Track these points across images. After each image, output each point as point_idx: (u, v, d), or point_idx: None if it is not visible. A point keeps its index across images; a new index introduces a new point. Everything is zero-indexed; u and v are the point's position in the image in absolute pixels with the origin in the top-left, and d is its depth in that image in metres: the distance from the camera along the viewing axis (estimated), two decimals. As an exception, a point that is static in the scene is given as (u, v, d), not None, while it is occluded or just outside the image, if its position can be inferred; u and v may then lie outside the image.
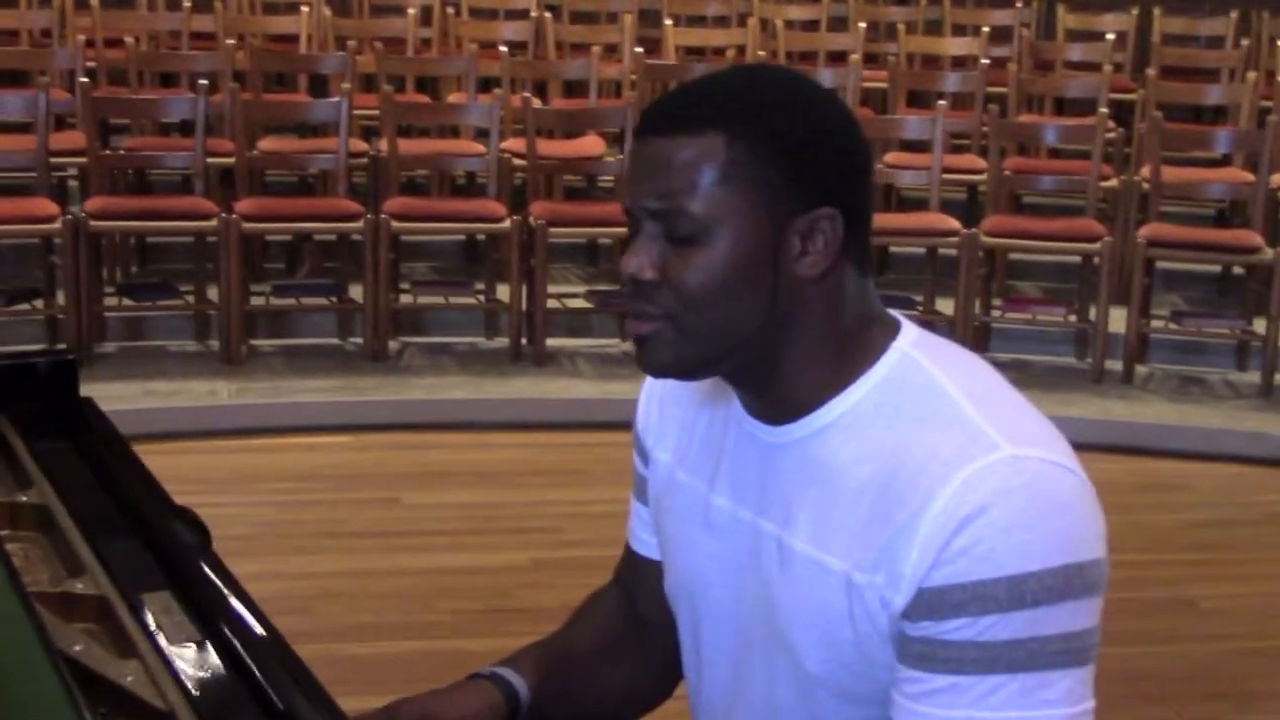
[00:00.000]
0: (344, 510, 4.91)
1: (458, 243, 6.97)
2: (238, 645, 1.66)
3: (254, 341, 6.09)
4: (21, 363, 2.31)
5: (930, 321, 6.38)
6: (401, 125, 6.75)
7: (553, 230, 6.02)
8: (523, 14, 7.88)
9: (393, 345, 6.13)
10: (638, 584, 1.74)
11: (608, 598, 1.81)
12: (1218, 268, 7.03)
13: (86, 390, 5.64)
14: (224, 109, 6.23)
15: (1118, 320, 6.21)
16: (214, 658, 1.62)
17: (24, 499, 2.02)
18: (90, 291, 5.82)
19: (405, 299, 6.27)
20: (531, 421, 5.61)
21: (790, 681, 1.47)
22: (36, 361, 2.31)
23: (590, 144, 6.75)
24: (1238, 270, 6.85)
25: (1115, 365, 6.24)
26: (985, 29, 7.94)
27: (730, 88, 1.43)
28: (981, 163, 6.77)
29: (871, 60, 7.82)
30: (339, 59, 6.86)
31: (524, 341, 6.09)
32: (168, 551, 1.87)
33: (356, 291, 6.07)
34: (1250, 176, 6.63)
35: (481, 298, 6.32)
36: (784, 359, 1.42)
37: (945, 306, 6.30)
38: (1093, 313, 6.26)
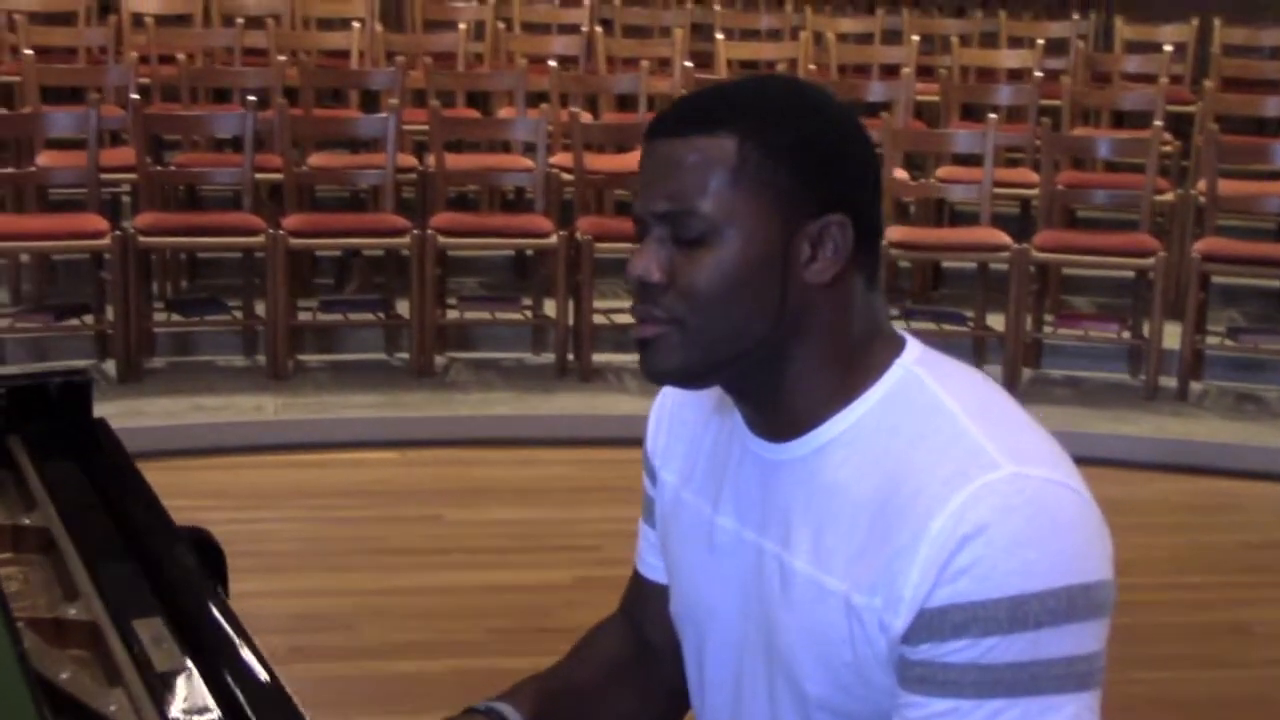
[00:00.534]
0: (386, 527, 4.88)
1: (508, 258, 6.95)
2: (225, 673, 1.61)
3: (301, 357, 6.09)
4: (35, 383, 2.28)
5: (982, 338, 6.29)
6: (453, 141, 6.75)
7: (599, 245, 5.98)
8: (574, 29, 7.85)
9: (439, 361, 6.10)
10: (645, 610, 1.70)
11: (612, 627, 1.77)
12: (1277, 283, 6.89)
13: (136, 406, 5.69)
14: (274, 125, 6.22)
15: (1173, 336, 6.10)
16: (200, 687, 1.57)
17: (27, 521, 1.99)
18: (140, 307, 5.83)
19: (452, 314, 6.25)
20: (576, 437, 5.57)
21: (790, 704, 1.43)
22: (50, 382, 2.27)
23: (639, 159, 6.66)
24: (1297, 286, 6.73)
25: (1170, 382, 6.12)
26: (1040, 41, 7.83)
27: (743, 92, 1.41)
28: (1035, 177, 6.67)
29: (926, 73, 7.74)
30: (388, 74, 6.86)
31: (570, 357, 6.05)
32: (165, 576, 1.83)
33: (404, 307, 6.05)
34: (1310, 190, 6.50)
35: (528, 313, 6.28)
36: (789, 370, 1.39)
37: (996, 322, 6.21)
38: (1147, 329, 6.15)
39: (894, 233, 6.13)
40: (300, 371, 6.01)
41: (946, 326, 6.31)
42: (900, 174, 6.54)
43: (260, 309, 5.96)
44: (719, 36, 7.75)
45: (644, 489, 1.66)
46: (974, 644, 1.29)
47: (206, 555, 2.37)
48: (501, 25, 7.78)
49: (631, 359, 6.24)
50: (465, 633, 4.18)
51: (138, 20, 7.41)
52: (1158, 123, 6.57)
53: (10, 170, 6.30)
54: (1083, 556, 1.30)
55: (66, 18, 7.62)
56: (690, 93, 1.45)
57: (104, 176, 6.13)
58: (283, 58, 6.97)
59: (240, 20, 7.41)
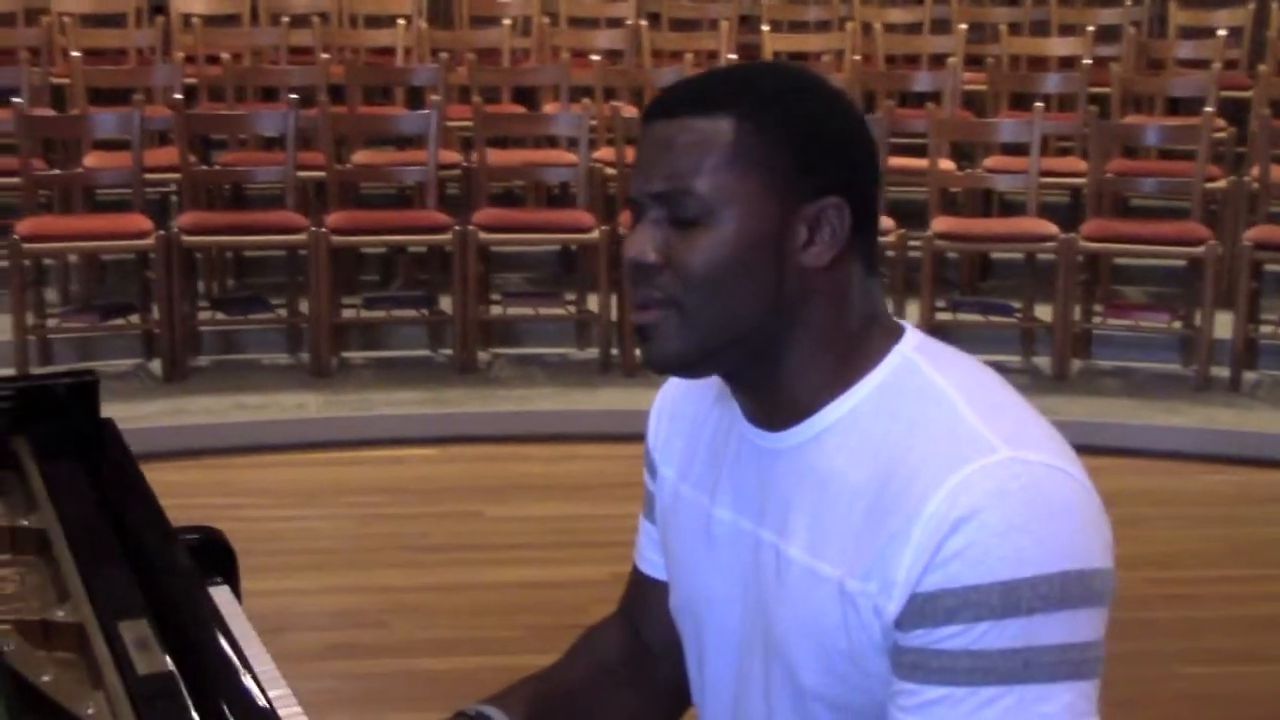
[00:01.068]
0: (425, 523, 4.87)
1: (553, 253, 6.93)
2: (207, 676, 1.60)
3: (346, 354, 6.10)
4: (43, 384, 2.27)
5: (1031, 329, 6.22)
6: (498, 136, 6.75)
7: (642, 240, 5.93)
8: (620, 23, 7.82)
9: (483, 357, 6.10)
10: (644, 608, 1.69)
11: (609, 629, 1.76)
12: (1332, 271, 6.77)
13: (179, 405, 5.72)
14: (319, 123, 6.23)
15: (1224, 326, 6.01)
16: (180, 692, 1.55)
17: (25, 523, 1.98)
18: (185, 306, 5.86)
19: (496, 310, 6.24)
20: (617, 433, 5.53)
21: (787, 696, 1.41)
22: (57, 383, 2.27)
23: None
24: (1354, 273, 6.59)
25: (1221, 372, 6.03)
26: (1090, 28, 7.72)
27: (742, 75, 1.42)
28: (1084, 165, 6.57)
29: (976, 63, 7.66)
30: (431, 71, 6.86)
31: (614, 352, 6.02)
32: (157, 578, 1.82)
33: (448, 303, 6.05)
34: (1366, 175, 6.37)
35: (571, 308, 6.26)
36: (787, 357, 1.38)
37: (1045, 313, 6.13)
38: (1198, 318, 6.05)
39: (939, 223, 6.07)
40: (344, 368, 6.02)
41: (994, 318, 6.24)
42: (946, 164, 6.47)
43: (304, 307, 5.97)
44: (764, 28, 7.69)
45: (645, 485, 1.65)
46: (966, 630, 1.27)
47: (217, 556, 2.37)
48: (546, 20, 7.75)
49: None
50: (500, 629, 4.16)
51: (187, 21, 7.45)
52: (1208, 109, 6.46)
53: (57, 172, 6.35)
54: (1078, 543, 1.28)
55: (117, 19, 7.67)
56: (689, 76, 1.44)
57: (151, 176, 6.18)
58: (325, 56, 6.97)
59: (286, 19, 7.43)
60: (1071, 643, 1.27)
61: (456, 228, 5.91)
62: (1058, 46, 7.82)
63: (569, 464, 5.38)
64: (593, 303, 6.15)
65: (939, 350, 1.42)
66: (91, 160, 6.27)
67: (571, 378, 6.01)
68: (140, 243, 5.73)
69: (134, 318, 5.96)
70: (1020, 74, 7.49)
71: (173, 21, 7.47)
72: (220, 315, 6.12)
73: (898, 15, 8.18)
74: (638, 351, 5.76)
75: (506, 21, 7.59)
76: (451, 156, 6.62)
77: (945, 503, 1.27)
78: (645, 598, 1.68)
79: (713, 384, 1.50)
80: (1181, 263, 6.28)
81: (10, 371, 5.55)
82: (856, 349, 1.38)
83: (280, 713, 1.98)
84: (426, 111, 6.18)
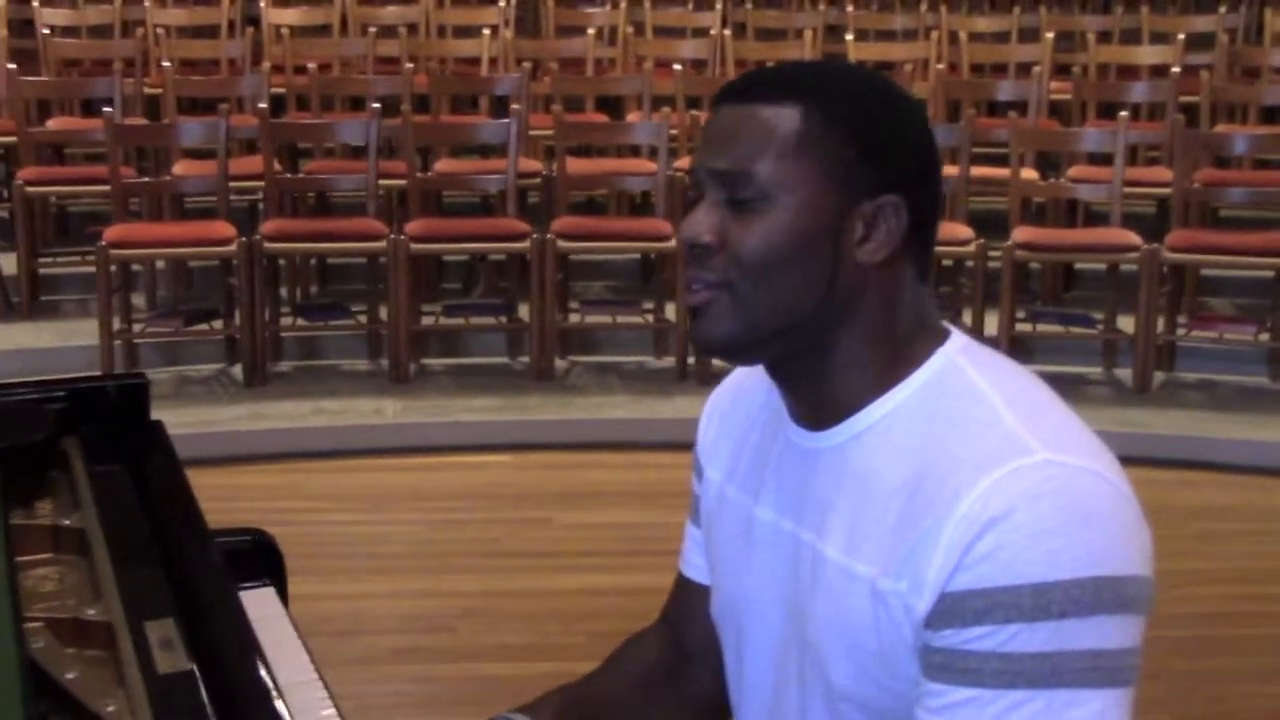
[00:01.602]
0: (497, 529, 4.90)
1: (634, 262, 6.94)
2: (227, 676, 1.62)
3: (425, 360, 6.15)
4: (94, 386, 2.32)
5: (1113, 341, 6.13)
6: (582, 145, 6.77)
7: (720, 249, 5.92)
8: (704, 32, 7.82)
9: (561, 364, 6.12)
10: (687, 613, 1.68)
11: (649, 638, 1.75)
12: None
13: (259, 409, 5.79)
14: (402, 132, 6.29)
15: (1313, 339, 5.89)
16: (198, 690, 1.57)
17: (67, 523, 2.02)
18: (266, 312, 5.94)
19: (574, 318, 6.26)
20: (690, 441, 5.51)
21: (820, 696, 1.41)
22: (108, 385, 2.31)
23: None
24: None
25: (1311, 386, 5.91)
26: (1181, 36, 7.61)
27: (815, 68, 1.45)
28: (1170, 175, 6.47)
29: (1064, 71, 7.57)
30: (514, 80, 6.90)
31: (690, 361, 6.02)
32: (189, 579, 1.84)
33: (526, 311, 6.07)
34: None
35: (649, 317, 6.27)
36: (834, 351, 1.39)
37: (1128, 324, 6.04)
38: (1286, 331, 5.94)
39: (1020, 233, 6.00)
40: (422, 375, 6.06)
41: (1074, 329, 6.16)
42: (1028, 174, 6.41)
43: (384, 313, 6.03)
44: (848, 37, 7.66)
45: (691, 489, 1.66)
46: (995, 631, 1.26)
47: (266, 558, 2.40)
48: (630, 30, 7.77)
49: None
50: (565, 636, 4.18)
51: (278, 32, 7.55)
52: (1299, 118, 6.34)
53: (146, 180, 6.46)
54: (1113, 549, 1.27)
55: (211, 31, 7.80)
56: (765, 66, 1.47)
57: (238, 185, 6.27)
58: (411, 65, 7.04)
59: (373, 29, 7.51)
60: (1103, 649, 1.25)
61: (535, 236, 5.94)
62: (1147, 55, 7.71)
63: (641, 472, 5.38)
64: (670, 311, 6.15)
65: (983, 354, 1.42)
66: (180, 168, 6.37)
67: (648, 386, 6.01)
68: (223, 249, 5.82)
69: (217, 323, 6.04)
70: (1107, 83, 7.39)
71: (265, 33, 7.58)
72: (301, 321, 6.19)
73: (985, 24, 8.12)
74: (717, 360, 5.80)
75: (591, 31, 7.62)
76: (533, 165, 6.65)
77: (978, 503, 1.26)
78: (688, 603, 1.68)
79: (762, 387, 1.50)
80: (1269, 274, 6.17)
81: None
82: (902, 350, 1.39)
83: (316, 714, 2.01)
84: (507, 120, 6.22)
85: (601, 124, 6.94)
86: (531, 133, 6.76)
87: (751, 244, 1.35)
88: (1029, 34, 7.96)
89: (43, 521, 2.03)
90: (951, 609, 1.27)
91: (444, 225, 6.22)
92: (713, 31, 7.71)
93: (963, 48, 7.66)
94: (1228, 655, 4.20)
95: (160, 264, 6.43)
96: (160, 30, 7.47)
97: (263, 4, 7.71)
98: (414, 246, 5.89)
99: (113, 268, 5.78)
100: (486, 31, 7.56)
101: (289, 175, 6.43)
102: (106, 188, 6.01)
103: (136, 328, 5.98)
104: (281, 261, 6.31)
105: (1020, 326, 6.05)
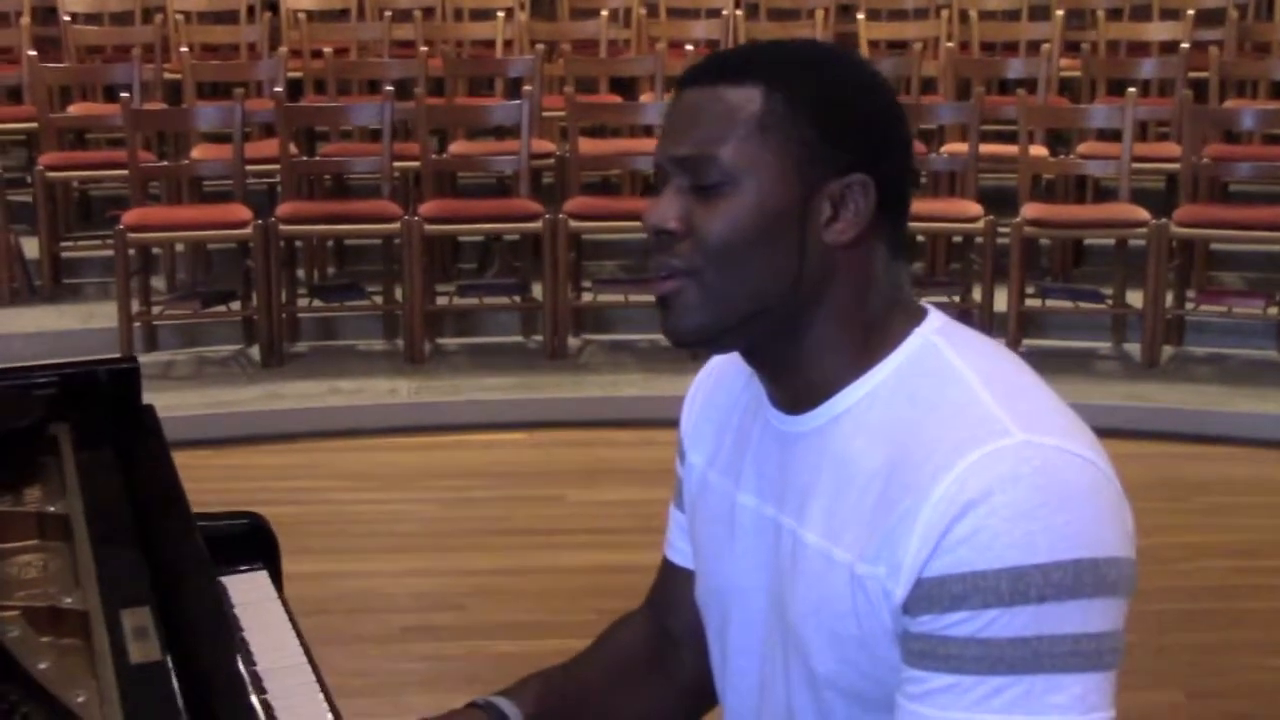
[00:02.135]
0: (508, 507, 4.85)
1: (644, 241, 6.84)
2: (201, 665, 1.57)
3: (440, 340, 6.10)
4: (85, 371, 2.27)
5: (1122, 316, 6.05)
6: (595, 126, 6.70)
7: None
8: (718, 13, 7.74)
9: (574, 343, 6.07)
10: (671, 598, 1.64)
11: (632, 624, 1.72)
12: None
13: (275, 390, 5.75)
14: (415, 114, 6.24)
15: (1322, 312, 5.80)
16: (170, 681, 1.52)
17: (52, 509, 1.97)
18: (286, 293, 5.91)
19: (587, 297, 6.20)
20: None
21: (803, 684, 1.37)
22: (99, 370, 2.26)
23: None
24: None
25: (1318, 359, 5.82)
26: (1191, 12, 7.49)
27: (776, 47, 1.39)
28: (1179, 151, 6.38)
29: (1074, 49, 7.48)
30: (527, 62, 6.84)
31: (702, 339, 5.95)
32: (169, 567, 1.79)
33: (540, 290, 6.02)
34: None
35: (662, 295, 6.19)
36: (806, 335, 1.34)
37: (1137, 299, 5.96)
38: (1294, 305, 5.85)
39: (1030, 209, 5.92)
40: (437, 355, 6.02)
41: (1083, 304, 6.08)
42: (1038, 150, 6.32)
43: (400, 294, 5.98)
44: (860, 17, 7.57)
45: (676, 472, 1.61)
46: (974, 616, 1.21)
47: (261, 541, 2.35)
48: (643, 12, 7.69)
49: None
50: (575, 613, 4.13)
51: (296, 17, 7.50)
52: (1307, 92, 6.24)
53: (164, 164, 6.42)
54: (1093, 531, 1.22)
55: (230, 16, 7.75)
56: (722, 49, 1.41)
57: (255, 168, 6.23)
58: (425, 49, 6.98)
59: (389, 14, 7.45)
60: (1084, 633, 1.21)
61: (547, 216, 5.88)
62: (1156, 31, 7.60)
63: (653, 449, 5.31)
64: (683, 290, 6.07)
65: (961, 333, 1.37)
66: (199, 152, 6.33)
67: (660, 364, 5.95)
68: (239, 232, 5.77)
69: (234, 305, 6.01)
70: (1117, 59, 7.29)
71: (283, 18, 7.53)
72: (317, 302, 6.15)
73: (996, 2, 8.01)
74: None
75: (604, 13, 7.55)
76: (547, 146, 6.59)
77: (954, 485, 1.22)
78: (673, 588, 1.64)
79: (743, 371, 1.45)
80: (1278, 248, 6.09)
81: (116, 358, 5.63)
82: (877, 331, 1.34)
83: (299, 697, 1.96)
84: (518, 102, 6.16)
85: (613, 104, 6.87)
86: (545, 114, 6.71)
87: (717, 229, 1.30)
88: (1039, 12, 7.85)
89: (30, 508, 1.98)
90: (929, 594, 1.23)
91: (457, 206, 6.16)
92: (725, 12, 7.63)
93: (973, 26, 7.56)
94: (1234, 628, 4.14)
95: (180, 247, 6.40)
96: (180, 16, 7.42)
97: (281, -11, 7.66)
98: (428, 228, 5.84)
99: (131, 251, 5.75)
100: (501, 14, 7.50)
101: (305, 158, 6.37)
102: (126, 172, 5.97)
103: (156, 310, 5.95)
104: (299, 243, 6.26)
105: (1030, 302, 5.97)
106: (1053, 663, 1.20)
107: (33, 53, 6.67)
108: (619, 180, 6.96)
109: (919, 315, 1.36)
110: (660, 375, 5.82)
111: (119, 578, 1.73)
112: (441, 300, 6.11)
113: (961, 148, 6.23)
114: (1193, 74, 6.84)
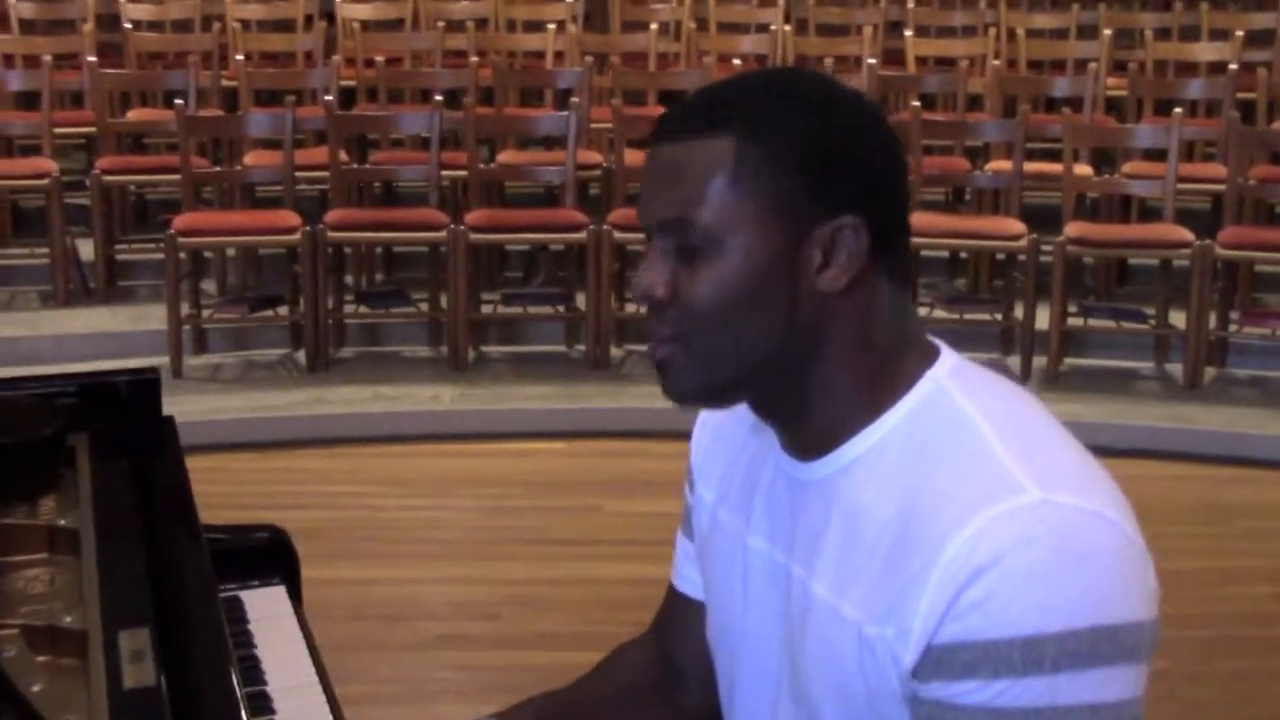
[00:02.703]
0: (546, 517, 4.77)
1: (692, 252, 6.77)
2: (195, 688, 1.50)
3: (485, 348, 6.03)
4: (105, 381, 2.20)
5: (1165, 336, 5.91)
6: (641, 137, 6.61)
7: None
8: (767, 28, 7.65)
9: (617, 354, 5.98)
10: (679, 628, 1.57)
11: (637, 648, 1.66)
12: None
13: (320, 394, 5.69)
14: (464, 124, 6.18)
15: (1367, 336, 5.64)
16: (161, 707, 1.45)
17: (63, 523, 1.90)
18: (333, 298, 5.86)
19: (630, 308, 6.12)
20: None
21: None
22: (119, 380, 2.19)
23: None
24: None
25: (1362, 383, 5.67)
26: (1240, 33, 7.34)
27: (747, 88, 1.26)
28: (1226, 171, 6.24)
29: (1122, 68, 7.34)
30: (576, 74, 6.77)
31: (743, 351, 5.86)
32: (175, 584, 1.73)
33: (584, 301, 5.94)
34: None
35: (704, 307, 6.11)
36: (812, 384, 1.25)
37: (1180, 320, 5.82)
38: (1340, 328, 5.69)
39: (1073, 229, 5.80)
40: (481, 363, 5.95)
41: (1125, 324, 5.95)
42: (1082, 170, 6.19)
43: (445, 302, 5.92)
44: (908, 34, 7.46)
45: (685, 499, 1.55)
46: (985, 686, 1.13)
47: (281, 555, 2.29)
48: (691, 26, 7.61)
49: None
50: (607, 624, 4.04)
51: (352, 27, 7.46)
52: (1356, 115, 6.09)
53: (216, 169, 6.39)
54: (1112, 595, 1.13)
55: (288, 25, 7.73)
56: (694, 91, 1.30)
57: (307, 175, 6.20)
58: (476, 59, 6.93)
59: (441, 24, 7.40)
60: (1102, 702, 1.12)
61: (592, 227, 5.81)
62: (1204, 51, 7.44)
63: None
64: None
65: (975, 375, 1.27)
66: (252, 159, 6.30)
67: (701, 376, 5.86)
68: (287, 238, 5.73)
69: (282, 309, 5.96)
70: (1164, 79, 7.14)
71: (339, 27, 7.50)
72: (364, 308, 6.10)
73: (1044, 21, 7.88)
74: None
75: (654, 26, 7.47)
76: (594, 157, 6.51)
77: (966, 547, 1.13)
78: (680, 617, 1.56)
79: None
80: (1324, 271, 5.94)
81: (165, 360, 5.60)
82: (886, 373, 1.25)
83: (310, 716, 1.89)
84: (565, 113, 6.09)
85: (658, 116, 6.78)
86: (593, 125, 6.63)
87: (702, 294, 1.21)
88: (1088, 31, 7.72)
89: (42, 521, 1.92)
90: (939, 661, 1.15)
91: (504, 216, 6.10)
92: (774, 27, 7.54)
93: (1020, 44, 7.44)
94: (1272, 656, 4.01)
95: (230, 251, 6.36)
96: (238, 24, 7.40)
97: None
98: (473, 236, 5.77)
99: (182, 255, 5.71)
100: (552, 26, 7.43)
101: (355, 165, 6.32)
102: (179, 177, 5.95)
103: (205, 313, 5.91)
104: (347, 250, 6.21)
105: (1072, 321, 5.85)
106: None
107: (93, 59, 6.66)
108: (666, 192, 6.86)
109: (930, 354, 1.27)
110: (701, 387, 5.73)
111: (121, 597, 1.67)
112: (486, 308, 6.04)
113: (1006, 165, 6.12)
114: (1240, 95, 6.69)
